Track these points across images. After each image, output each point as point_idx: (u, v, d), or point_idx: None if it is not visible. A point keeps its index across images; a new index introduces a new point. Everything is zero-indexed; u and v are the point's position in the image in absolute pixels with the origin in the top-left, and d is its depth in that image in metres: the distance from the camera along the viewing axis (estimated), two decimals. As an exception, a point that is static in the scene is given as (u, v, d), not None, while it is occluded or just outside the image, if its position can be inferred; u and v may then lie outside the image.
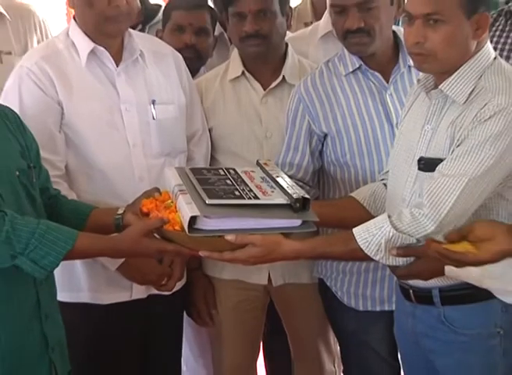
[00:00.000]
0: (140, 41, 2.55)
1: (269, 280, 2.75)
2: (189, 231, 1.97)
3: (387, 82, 2.50)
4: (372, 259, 2.02)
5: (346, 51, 2.52)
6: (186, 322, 2.84)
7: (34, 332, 2.07)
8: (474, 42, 2.03)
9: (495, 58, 2.08)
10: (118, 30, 2.46)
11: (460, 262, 1.89)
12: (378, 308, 2.57)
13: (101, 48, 2.46)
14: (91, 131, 2.44)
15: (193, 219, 1.95)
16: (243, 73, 2.70)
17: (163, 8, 3.02)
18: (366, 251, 2.00)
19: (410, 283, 2.14)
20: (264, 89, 2.70)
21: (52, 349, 2.11)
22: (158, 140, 2.53)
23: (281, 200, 2.04)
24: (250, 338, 2.86)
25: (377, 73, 2.50)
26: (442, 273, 1.98)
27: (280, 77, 2.69)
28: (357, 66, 2.51)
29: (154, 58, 2.58)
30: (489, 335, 2.08)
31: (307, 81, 2.55)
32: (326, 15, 2.86)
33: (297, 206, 2.00)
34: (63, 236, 1.97)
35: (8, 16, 3.60)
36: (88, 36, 2.46)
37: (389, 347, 2.59)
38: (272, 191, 2.08)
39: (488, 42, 2.10)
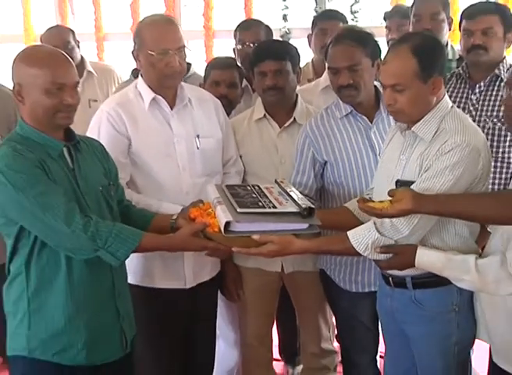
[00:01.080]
0: (188, 90, 2.54)
1: (282, 268, 2.73)
2: (224, 233, 1.97)
3: (371, 123, 2.49)
4: (361, 255, 2.01)
5: (340, 100, 2.51)
6: (220, 298, 2.81)
7: (110, 306, 2.08)
8: (433, 97, 2.03)
9: (452, 106, 2.08)
10: (173, 84, 2.46)
11: (377, 215, 1.90)
12: (366, 290, 2.55)
13: (160, 97, 2.45)
14: (153, 158, 2.43)
15: (227, 224, 1.96)
16: (264, 115, 2.69)
17: (205, 67, 3.03)
18: (357, 249, 2.00)
19: (390, 272, 2.13)
20: (280, 127, 2.68)
21: (123, 319, 2.11)
22: (201, 164, 2.51)
23: (293, 209, 2.03)
24: (267, 311, 2.84)
25: (364, 117, 2.49)
26: (413, 265, 1.98)
27: (292, 119, 2.67)
28: (349, 111, 2.49)
29: (199, 103, 2.56)
30: (448, 311, 2.07)
31: (312, 122, 2.54)
32: (325, 74, 2.86)
33: (305, 214, 2.00)
34: (132, 235, 1.98)
35: (95, 74, 3.72)
36: (151, 88, 2.45)
37: (372, 319, 2.56)
38: (286, 202, 2.08)
39: (446, 95, 2.10)
